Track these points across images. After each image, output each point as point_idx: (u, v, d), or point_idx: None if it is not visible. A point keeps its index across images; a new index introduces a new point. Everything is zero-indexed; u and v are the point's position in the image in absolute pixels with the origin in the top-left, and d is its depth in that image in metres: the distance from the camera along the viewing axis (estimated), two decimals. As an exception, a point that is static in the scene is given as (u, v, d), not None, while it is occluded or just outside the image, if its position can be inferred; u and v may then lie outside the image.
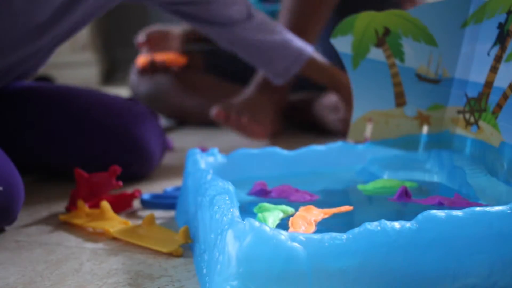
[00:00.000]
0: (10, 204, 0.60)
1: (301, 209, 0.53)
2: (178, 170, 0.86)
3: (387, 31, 0.64)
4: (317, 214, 0.52)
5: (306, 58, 0.96)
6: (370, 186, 0.61)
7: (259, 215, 0.50)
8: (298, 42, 0.96)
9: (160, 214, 0.65)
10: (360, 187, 0.61)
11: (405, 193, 0.56)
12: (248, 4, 0.92)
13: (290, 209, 0.53)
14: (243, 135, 1.03)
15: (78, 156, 0.80)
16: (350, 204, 0.55)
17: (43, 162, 0.82)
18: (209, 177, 0.53)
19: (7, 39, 0.71)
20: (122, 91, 1.73)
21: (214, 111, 1.01)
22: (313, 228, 0.48)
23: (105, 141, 0.80)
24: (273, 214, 0.50)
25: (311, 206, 0.53)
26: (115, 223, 0.60)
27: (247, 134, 1.02)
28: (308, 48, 0.97)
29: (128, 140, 0.81)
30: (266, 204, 0.53)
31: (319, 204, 0.55)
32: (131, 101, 0.88)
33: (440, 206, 0.54)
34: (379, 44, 0.64)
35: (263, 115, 1.03)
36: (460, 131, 0.65)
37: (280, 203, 0.55)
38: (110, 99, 0.85)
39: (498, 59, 0.59)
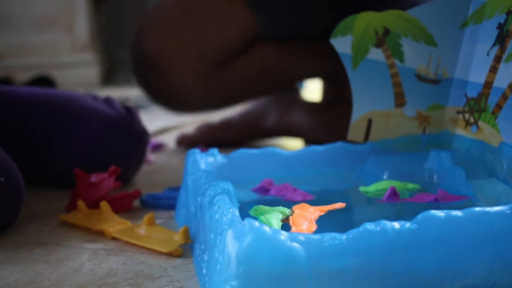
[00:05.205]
0: (13, 196, 0.58)
1: (295, 207, 0.53)
2: (178, 170, 0.86)
3: (386, 31, 0.64)
4: (313, 211, 0.52)
5: None
6: (372, 188, 0.61)
7: (262, 217, 0.50)
8: None
9: (160, 214, 0.65)
10: (362, 189, 0.61)
11: (393, 194, 0.57)
12: None
13: (286, 209, 0.53)
14: None
15: (46, 167, 0.77)
16: (349, 204, 0.55)
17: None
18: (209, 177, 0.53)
19: None
20: (123, 92, 1.73)
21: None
22: (315, 226, 0.49)
23: (75, 153, 0.76)
24: (274, 216, 0.50)
25: (305, 204, 0.53)
26: (114, 223, 0.60)
27: None
28: None
29: (99, 152, 0.76)
30: (262, 206, 0.53)
31: (316, 204, 0.54)
32: (108, 102, 0.80)
33: (436, 202, 0.54)
34: (379, 44, 0.64)
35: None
36: (459, 131, 0.65)
37: (274, 202, 0.55)
38: (81, 104, 0.77)
39: (497, 59, 0.59)
